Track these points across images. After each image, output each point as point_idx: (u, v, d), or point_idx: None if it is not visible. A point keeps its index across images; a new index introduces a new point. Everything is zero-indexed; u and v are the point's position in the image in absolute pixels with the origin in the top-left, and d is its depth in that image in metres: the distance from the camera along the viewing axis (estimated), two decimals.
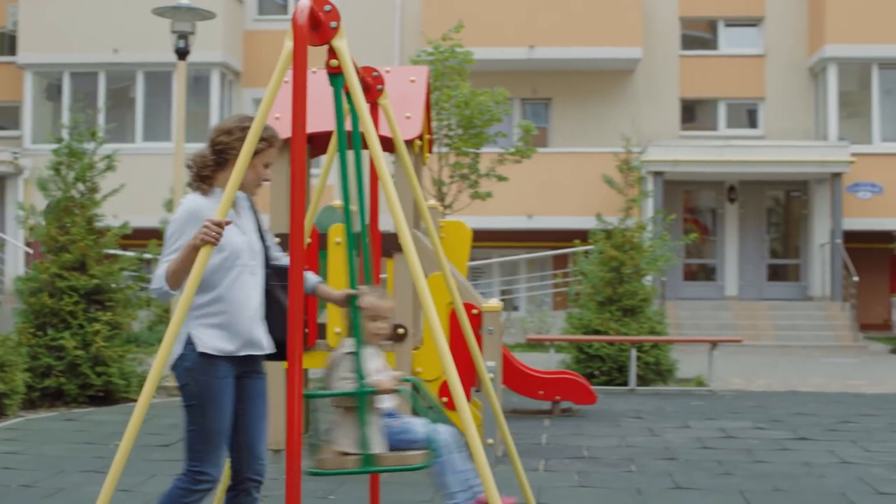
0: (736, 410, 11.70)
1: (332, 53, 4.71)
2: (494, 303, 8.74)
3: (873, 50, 25.23)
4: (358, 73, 5.07)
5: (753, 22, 27.32)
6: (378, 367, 5.22)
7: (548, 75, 26.17)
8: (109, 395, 11.71)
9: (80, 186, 12.20)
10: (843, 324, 22.74)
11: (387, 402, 5.22)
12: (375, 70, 5.82)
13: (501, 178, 15.85)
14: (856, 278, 22.82)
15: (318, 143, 9.37)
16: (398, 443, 5.18)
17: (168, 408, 11.39)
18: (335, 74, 4.87)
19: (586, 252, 18.27)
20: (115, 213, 13.04)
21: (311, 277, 4.85)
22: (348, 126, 6.19)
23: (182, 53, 13.08)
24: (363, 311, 5.07)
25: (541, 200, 24.27)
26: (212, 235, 4.29)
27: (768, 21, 26.97)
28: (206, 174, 4.58)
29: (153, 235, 18.72)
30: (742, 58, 27.25)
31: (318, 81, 8.93)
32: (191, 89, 26.17)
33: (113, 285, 11.99)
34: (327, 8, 4.44)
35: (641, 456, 8.68)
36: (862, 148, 24.71)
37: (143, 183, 21.65)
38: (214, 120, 24.65)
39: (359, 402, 4.85)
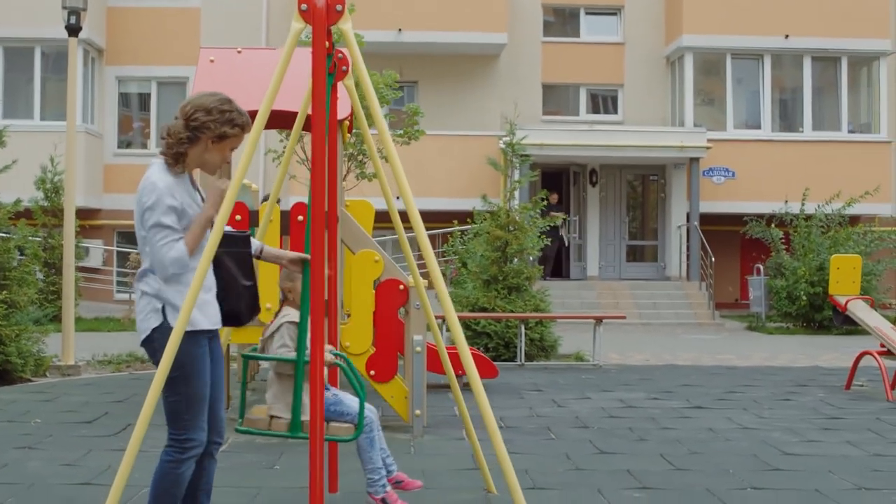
0: (626, 383, 12.25)
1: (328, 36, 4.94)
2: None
3: (727, 40, 26.39)
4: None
5: (613, 10, 28.20)
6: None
7: (415, 58, 26.39)
8: (6, 375, 11.49)
9: None
10: (700, 302, 23.75)
11: None
12: (341, 52, 6.01)
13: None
14: (713, 259, 23.86)
15: None
16: (329, 414, 5.39)
17: (68, 386, 11.32)
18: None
19: (463, 232, 18.67)
20: None
21: (254, 242, 4.98)
22: (292, 105, 6.42)
23: (74, 30, 12.91)
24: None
25: (409, 182, 24.41)
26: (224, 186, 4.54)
27: (627, 10, 27.88)
28: (181, 151, 4.58)
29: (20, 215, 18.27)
30: (602, 45, 28.08)
31: (245, 61, 9.06)
32: (52, 66, 25.60)
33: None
34: None
35: (556, 425, 9.09)
36: (716, 134, 25.84)
37: (2, 161, 21.04)
38: (77, 97, 24.07)
39: (296, 370, 5.06)
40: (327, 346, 5.48)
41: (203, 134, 4.59)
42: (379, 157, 6.65)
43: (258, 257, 4.99)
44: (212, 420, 4.78)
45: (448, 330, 14.67)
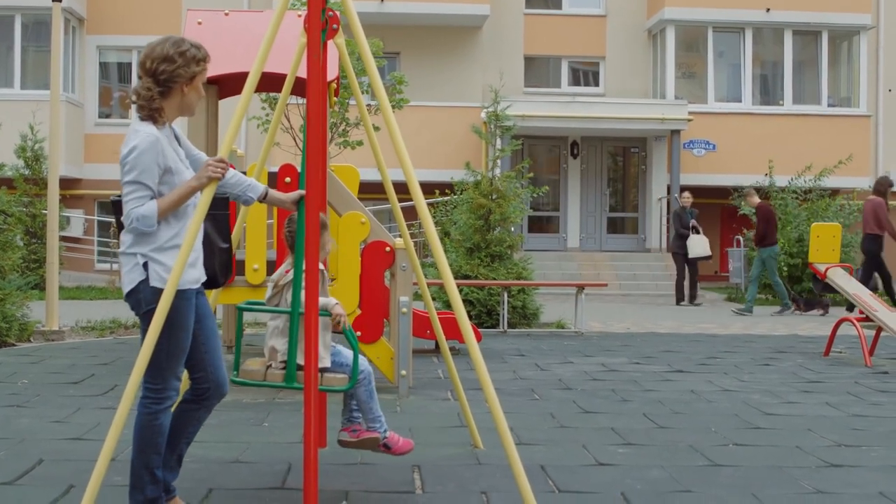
0: (608, 349, 12.37)
1: None
2: (400, 242, 9.07)
3: (709, 13, 26.48)
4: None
5: None
6: (326, 291, 5.47)
7: (397, 29, 26.36)
8: None
9: None
10: None
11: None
12: (331, 10, 6.03)
13: (374, 129, 16.04)
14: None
15: (226, 86, 9.51)
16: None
17: (53, 350, 11.35)
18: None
19: (445, 203, 18.73)
20: None
21: (259, 186, 4.93)
22: (279, 68, 6.45)
23: None
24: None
25: (389, 153, 24.41)
26: (219, 172, 4.52)
27: None
28: (156, 107, 4.56)
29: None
30: (584, 17, 28.09)
31: (233, 24, 9.06)
32: (32, 34, 25.46)
33: None
34: None
35: (540, 387, 9.19)
36: (697, 107, 25.96)
37: None
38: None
39: (292, 320, 5.05)
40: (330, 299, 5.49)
41: (175, 83, 4.58)
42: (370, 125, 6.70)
43: (262, 201, 4.96)
44: (214, 375, 4.82)
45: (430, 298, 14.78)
